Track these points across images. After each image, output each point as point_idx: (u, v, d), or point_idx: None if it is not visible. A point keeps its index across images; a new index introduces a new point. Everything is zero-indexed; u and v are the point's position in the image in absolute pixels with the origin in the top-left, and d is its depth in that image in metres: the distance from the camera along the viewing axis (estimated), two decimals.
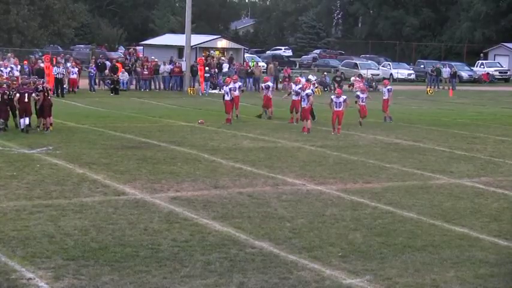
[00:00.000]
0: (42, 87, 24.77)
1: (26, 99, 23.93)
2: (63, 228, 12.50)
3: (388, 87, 31.90)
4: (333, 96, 26.87)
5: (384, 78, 47.23)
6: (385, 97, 31.34)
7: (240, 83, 32.09)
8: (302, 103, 26.67)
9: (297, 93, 28.43)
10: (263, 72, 52.73)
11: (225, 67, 51.80)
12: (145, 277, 10.22)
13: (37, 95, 24.16)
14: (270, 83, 32.37)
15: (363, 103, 28.99)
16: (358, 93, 29.70)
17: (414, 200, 15.74)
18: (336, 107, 26.13)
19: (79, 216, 13.30)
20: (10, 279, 9.96)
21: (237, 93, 29.53)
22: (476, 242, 12.61)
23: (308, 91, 26.85)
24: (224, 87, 30.06)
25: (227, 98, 28.82)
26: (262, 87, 33.13)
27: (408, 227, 13.48)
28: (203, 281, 10.15)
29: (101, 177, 16.96)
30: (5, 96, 23.82)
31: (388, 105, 31.09)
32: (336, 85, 51.20)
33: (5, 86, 24.44)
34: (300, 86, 28.08)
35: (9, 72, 36.63)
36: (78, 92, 41.94)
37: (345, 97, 26.37)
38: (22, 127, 23.97)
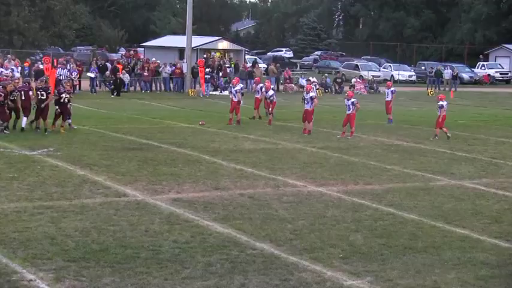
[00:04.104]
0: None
1: (23, 97, 23.97)
2: (64, 229, 12.49)
3: (392, 88, 31.77)
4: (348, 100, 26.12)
5: (386, 80, 47.20)
6: (388, 98, 31.30)
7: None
8: (305, 105, 26.58)
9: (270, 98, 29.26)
10: (264, 73, 52.73)
11: (228, 69, 51.82)
12: (146, 278, 10.21)
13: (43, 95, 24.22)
14: (261, 85, 32.29)
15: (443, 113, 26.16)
16: (442, 102, 26.25)
17: (415, 202, 15.73)
18: (347, 110, 25.76)
19: (80, 218, 13.29)
20: (11, 280, 9.96)
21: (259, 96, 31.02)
22: (477, 244, 12.60)
23: (312, 94, 26.76)
24: (231, 88, 30.13)
25: (235, 99, 28.86)
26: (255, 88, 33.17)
27: (409, 228, 13.48)
28: (204, 283, 10.14)
29: (102, 178, 16.95)
30: (1, 98, 23.63)
31: (391, 107, 31.02)
32: (337, 87, 51.43)
33: (1, 87, 24.09)
34: (313, 94, 27.18)
35: (9, 74, 36.64)
36: (79, 93, 41.92)
37: (354, 100, 26.15)
38: (23, 126, 23.97)
